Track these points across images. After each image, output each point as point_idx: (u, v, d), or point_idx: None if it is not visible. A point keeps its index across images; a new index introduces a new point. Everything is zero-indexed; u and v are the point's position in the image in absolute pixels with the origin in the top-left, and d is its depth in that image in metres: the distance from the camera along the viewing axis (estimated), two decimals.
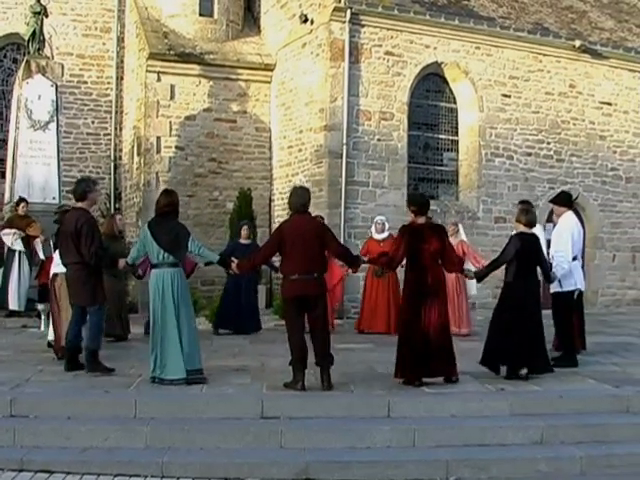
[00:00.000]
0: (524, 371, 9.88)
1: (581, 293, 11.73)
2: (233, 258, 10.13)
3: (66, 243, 10.05)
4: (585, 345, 12.10)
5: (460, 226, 15.23)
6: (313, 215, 10.01)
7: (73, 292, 10.14)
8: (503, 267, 10.16)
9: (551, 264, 10.71)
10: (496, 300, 10.34)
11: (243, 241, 14.86)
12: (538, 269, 10.30)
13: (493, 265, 10.43)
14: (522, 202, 12.43)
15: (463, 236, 14.92)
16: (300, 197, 9.44)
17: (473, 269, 12.15)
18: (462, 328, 14.06)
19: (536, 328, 9.95)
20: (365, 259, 10.75)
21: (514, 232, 10.41)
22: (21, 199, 16.35)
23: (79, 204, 10.24)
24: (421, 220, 9.66)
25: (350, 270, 13.87)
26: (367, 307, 15.17)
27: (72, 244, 9.91)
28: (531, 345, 9.85)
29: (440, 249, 9.50)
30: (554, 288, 11.08)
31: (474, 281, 12.86)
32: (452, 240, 13.99)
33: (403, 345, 9.43)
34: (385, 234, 15.07)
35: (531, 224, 10.23)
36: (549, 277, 10.57)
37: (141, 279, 12.06)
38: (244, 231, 15.05)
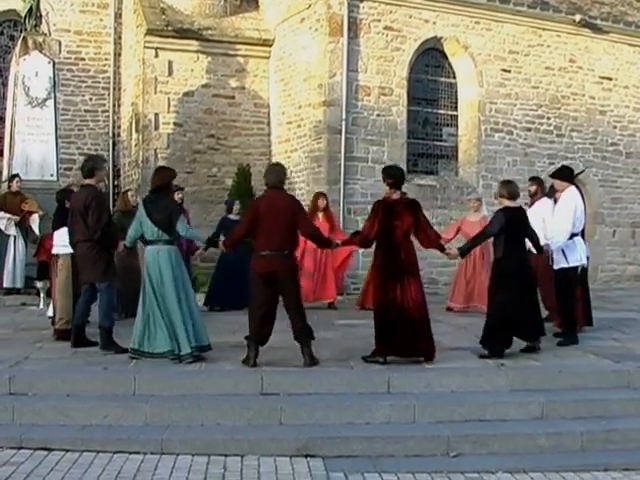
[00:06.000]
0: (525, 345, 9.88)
1: (585, 269, 11.61)
2: (222, 237, 10.19)
3: (76, 221, 9.99)
4: (592, 321, 12.05)
5: (483, 201, 15.12)
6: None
7: (83, 270, 10.10)
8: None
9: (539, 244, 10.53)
10: None
11: (232, 216, 14.96)
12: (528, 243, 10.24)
13: (476, 241, 10.31)
14: (532, 179, 12.46)
15: (485, 212, 14.71)
16: (276, 173, 9.46)
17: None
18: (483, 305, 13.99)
19: (531, 301, 9.89)
20: (338, 242, 10.65)
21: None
22: (14, 175, 16.30)
23: (87, 181, 10.23)
24: (396, 195, 9.56)
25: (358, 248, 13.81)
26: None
27: (82, 221, 9.87)
28: (527, 318, 9.78)
29: (414, 225, 9.41)
30: (559, 264, 10.90)
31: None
32: (475, 216, 13.94)
33: (383, 322, 9.31)
34: None
35: (514, 196, 10.03)
36: (540, 248, 10.45)
37: None
38: (236, 206, 15.21)
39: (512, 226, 9.77)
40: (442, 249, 10.06)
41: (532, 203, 12.63)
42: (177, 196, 14.53)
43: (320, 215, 14.86)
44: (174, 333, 9.20)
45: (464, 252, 10.24)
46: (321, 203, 15.05)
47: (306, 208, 17.87)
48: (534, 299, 10.02)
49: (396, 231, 9.30)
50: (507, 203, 10.01)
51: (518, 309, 9.64)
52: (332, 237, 11.59)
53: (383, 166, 18.00)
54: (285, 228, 9.13)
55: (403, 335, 9.21)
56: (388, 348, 9.28)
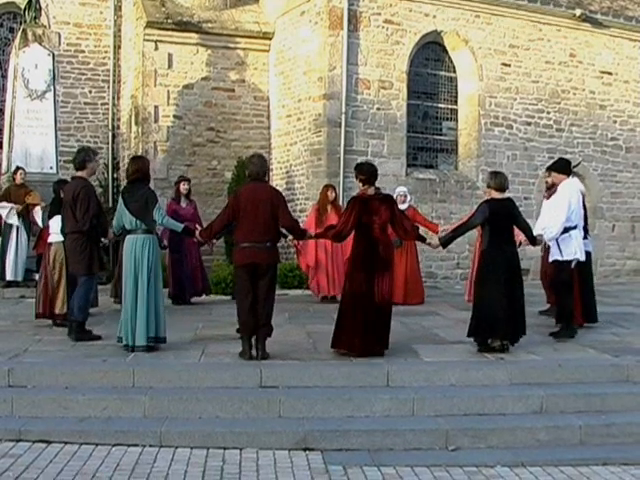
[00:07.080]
0: (497, 343, 9.66)
1: (586, 265, 11.47)
2: (197, 226, 10.30)
3: (66, 213, 10.19)
4: (592, 318, 11.83)
5: None
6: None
7: (71, 262, 10.29)
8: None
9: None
10: None
11: None
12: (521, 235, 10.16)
13: (457, 232, 10.18)
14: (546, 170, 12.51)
15: None
16: (258, 165, 9.42)
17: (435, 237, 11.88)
18: None
19: (515, 296, 9.66)
20: (313, 234, 10.66)
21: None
22: (18, 168, 16.31)
23: (78, 173, 10.38)
24: (370, 191, 9.53)
25: None
26: None
27: (71, 213, 10.08)
28: (510, 315, 9.59)
29: (390, 219, 9.42)
30: (553, 256, 10.83)
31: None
32: None
33: (351, 316, 9.25)
34: (405, 205, 14.71)
35: (501, 187, 9.89)
36: (534, 240, 10.27)
37: (165, 249, 12.19)
38: None
39: (497, 218, 9.67)
40: (422, 239, 10.15)
41: (549, 195, 12.59)
42: (183, 187, 14.60)
43: (329, 208, 14.77)
44: (135, 323, 9.36)
45: (445, 242, 10.19)
46: (330, 195, 14.95)
47: (307, 201, 18.14)
48: (516, 296, 9.73)
49: (374, 226, 9.30)
50: (494, 194, 9.90)
51: (504, 303, 9.51)
52: (307, 229, 11.56)
53: (383, 160, 18.23)
54: (266, 220, 9.12)
55: (376, 329, 9.24)
56: (356, 342, 9.24)
